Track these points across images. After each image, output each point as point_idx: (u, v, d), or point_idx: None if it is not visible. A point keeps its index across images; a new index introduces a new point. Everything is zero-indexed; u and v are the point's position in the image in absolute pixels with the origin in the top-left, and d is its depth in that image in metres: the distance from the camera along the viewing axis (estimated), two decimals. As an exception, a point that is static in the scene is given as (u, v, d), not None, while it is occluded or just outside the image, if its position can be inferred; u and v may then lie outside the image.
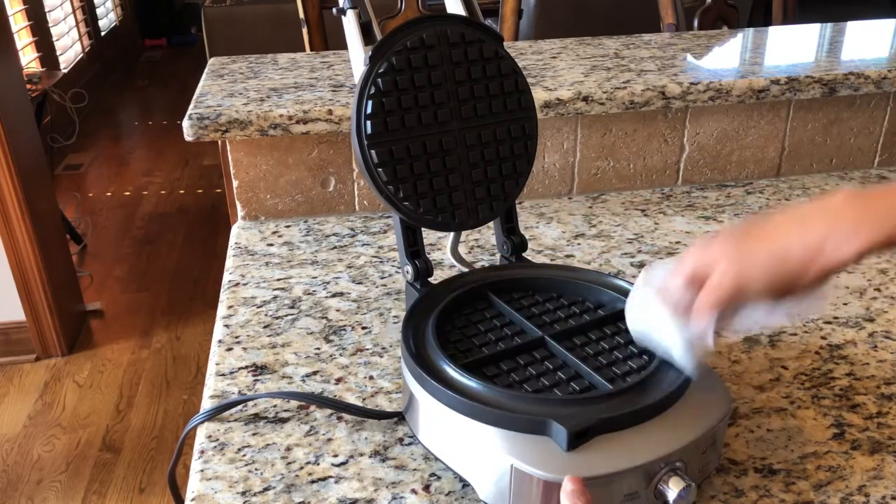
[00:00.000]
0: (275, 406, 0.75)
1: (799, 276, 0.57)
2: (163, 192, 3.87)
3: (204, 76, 1.26)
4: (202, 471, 0.68)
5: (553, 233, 1.12)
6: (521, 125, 0.80)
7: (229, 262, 1.04)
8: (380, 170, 0.74)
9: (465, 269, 0.81)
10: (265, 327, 0.89)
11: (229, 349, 0.85)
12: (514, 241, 0.83)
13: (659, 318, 0.63)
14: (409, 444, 0.70)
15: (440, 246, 1.06)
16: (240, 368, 0.81)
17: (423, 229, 0.78)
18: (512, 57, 0.79)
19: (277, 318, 0.90)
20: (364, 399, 0.77)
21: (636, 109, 1.18)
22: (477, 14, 0.82)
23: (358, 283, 0.98)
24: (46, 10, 4.48)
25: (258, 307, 0.93)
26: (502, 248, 0.85)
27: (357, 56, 0.80)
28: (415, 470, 0.67)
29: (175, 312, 2.81)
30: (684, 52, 1.38)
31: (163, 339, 2.65)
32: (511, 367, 0.67)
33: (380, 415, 0.73)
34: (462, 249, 1.06)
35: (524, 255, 0.84)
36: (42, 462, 2.10)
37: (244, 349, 0.85)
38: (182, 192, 3.87)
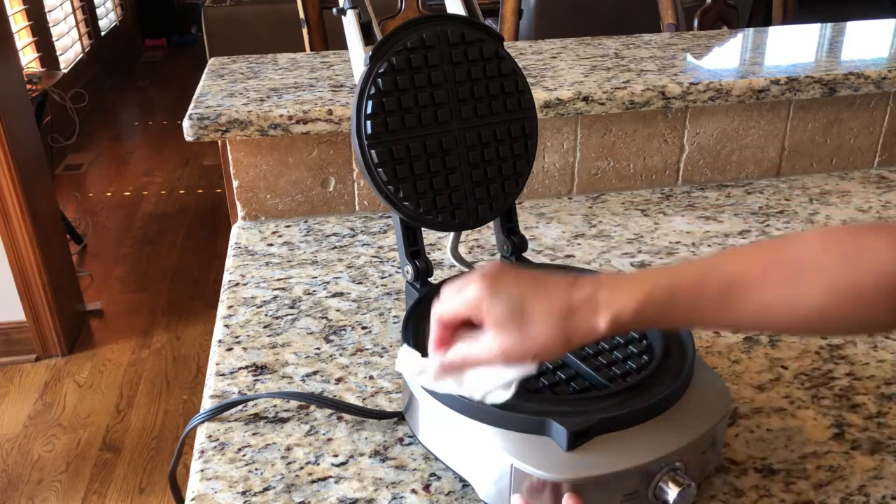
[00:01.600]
0: (275, 406, 0.75)
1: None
2: (163, 192, 3.87)
3: (204, 76, 1.26)
4: (202, 471, 0.68)
5: (553, 233, 1.12)
6: (521, 125, 0.80)
7: (229, 262, 1.04)
8: (380, 170, 0.74)
9: (465, 269, 0.81)
10: (265, 327, 0.89)
11: (229, 349, 0.85)
12: (514, 241, 0.83)
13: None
14: (409, 444, 0.70)
15: (440, 246, 1.06)
16: (240, 368, 0.81)
17: (423, 229, 0.78)
18: (512, 57, 0.79)
19: (277, 318, 0.90)
20: (364, 399, 0.77)
21: (636, 109, 1.18)
22: (477, 14, 0.82)
23: (358, 283, 0.98)
24: (46, 10, 4.48)
25: (258, 307, 0.93)
26: (502, 248, 0.85)
27: (357, 56, 0.80)
28: (415, 470, 0.67)
29: (175, 312, 2.81)
30: (684, 52, 1.38)
31: (163, 339, 2.65)
32: (511, 367, 0.67)
33: (380, 415, 0.73)
34: (462, 249, 1.06)
35: (524, 255, 0.84)
36: (42, 462, 2.10)
37: (244, 349, 0.85)
38: (182, 192, 3.87)
